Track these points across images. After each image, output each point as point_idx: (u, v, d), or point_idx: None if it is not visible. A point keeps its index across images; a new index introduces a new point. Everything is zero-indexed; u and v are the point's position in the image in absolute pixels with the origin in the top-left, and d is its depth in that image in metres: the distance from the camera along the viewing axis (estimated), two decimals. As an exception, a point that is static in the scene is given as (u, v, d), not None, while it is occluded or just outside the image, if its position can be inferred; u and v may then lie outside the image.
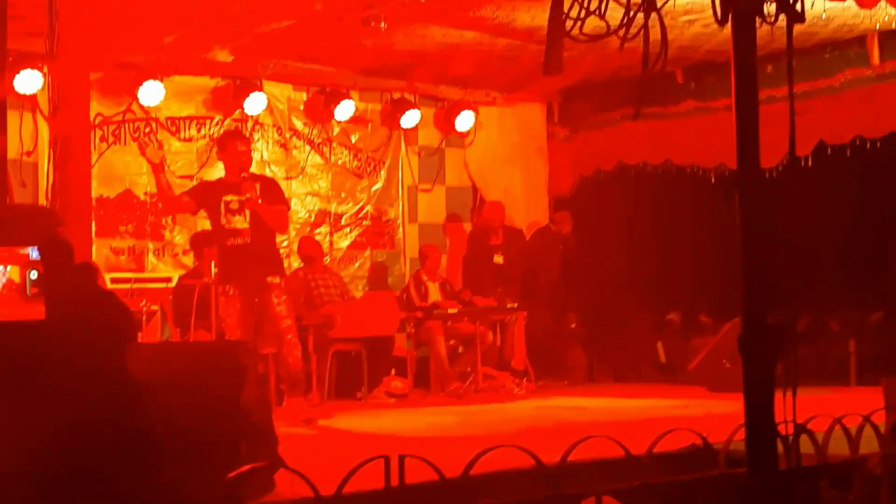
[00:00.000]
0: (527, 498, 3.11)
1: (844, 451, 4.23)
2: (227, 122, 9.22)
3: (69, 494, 1.99)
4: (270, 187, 7.04)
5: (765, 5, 2.60)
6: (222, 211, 6.83)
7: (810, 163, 8.93)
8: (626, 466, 3.80)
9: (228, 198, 6.83)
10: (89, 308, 2.39)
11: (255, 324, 6.93)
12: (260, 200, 6.77)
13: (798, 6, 2.63)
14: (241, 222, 6.82)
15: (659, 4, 2.72)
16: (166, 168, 8.78)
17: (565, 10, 2.74)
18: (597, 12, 2.68)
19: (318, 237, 9.62)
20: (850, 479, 4.18)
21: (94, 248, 7.63)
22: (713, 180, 9.77)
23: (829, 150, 9.08)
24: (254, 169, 9.25)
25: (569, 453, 3.49)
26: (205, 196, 6.99)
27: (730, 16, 2.63)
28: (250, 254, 6.80)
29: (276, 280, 6.91)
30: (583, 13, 2.69)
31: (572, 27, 2.69)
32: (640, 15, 2.73)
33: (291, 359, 6.86)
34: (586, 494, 3.41)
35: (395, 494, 3.09)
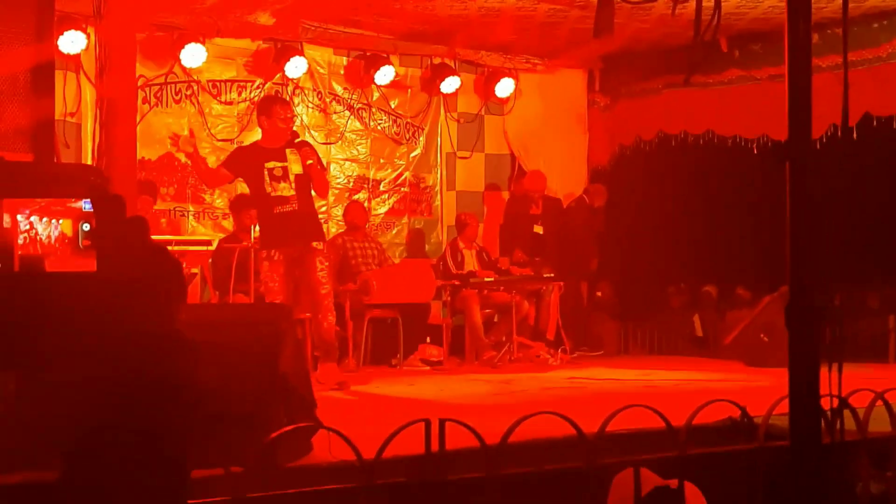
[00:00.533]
0: (566, 466, 3.10)
1: (885, 429, 4.20)
2: (267, 85, 9.22)
3: (117, 445, 2.01)
4: (314, 153, 7.00)
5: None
6: (266, 178, 6.80)
7: (855, 135, 8.79)
8: (664, 438, 3.79)
9: (271, 164, 6.80)
10: (141, 262, 2.40)
11: (295, 289, 6.97)
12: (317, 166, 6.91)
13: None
14: (286, 189, 6.80)
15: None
16: (207, 132, 8.86)
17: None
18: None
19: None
20: (891, 455, 4.14)
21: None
22: (755, 151, 9.65)
23: (875, 121, 8.94)
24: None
25: (608, 423, 3.48)
26: (242, 164, 6.95)
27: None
28: (297, 220, 6.81)
29: (320, 246, 6.95)
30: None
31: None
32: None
33: (326, 324, 6.88)
34: (624, 465, 3.41)
35: (436, 459, 3.09)
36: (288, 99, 8.97)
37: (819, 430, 2.71)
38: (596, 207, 10.16)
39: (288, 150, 6.83)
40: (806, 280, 2.59)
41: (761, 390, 5.43)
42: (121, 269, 2.29)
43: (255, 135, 8.84)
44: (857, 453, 3.93)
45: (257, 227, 7.18)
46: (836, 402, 3.02)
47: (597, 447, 3.44)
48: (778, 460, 3.62)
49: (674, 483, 3.47)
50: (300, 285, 7.01)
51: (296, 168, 6.77)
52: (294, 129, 7.13)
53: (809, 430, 2.64)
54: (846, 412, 3.76)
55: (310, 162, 6.77)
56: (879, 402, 4.10)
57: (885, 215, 8.96)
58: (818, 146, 8.54)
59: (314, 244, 6.89)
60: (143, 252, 2.41)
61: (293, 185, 6.80)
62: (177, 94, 8.72)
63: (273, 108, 7.00)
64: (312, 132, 9.46)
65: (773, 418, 3.98)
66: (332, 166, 9.57)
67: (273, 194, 6.81)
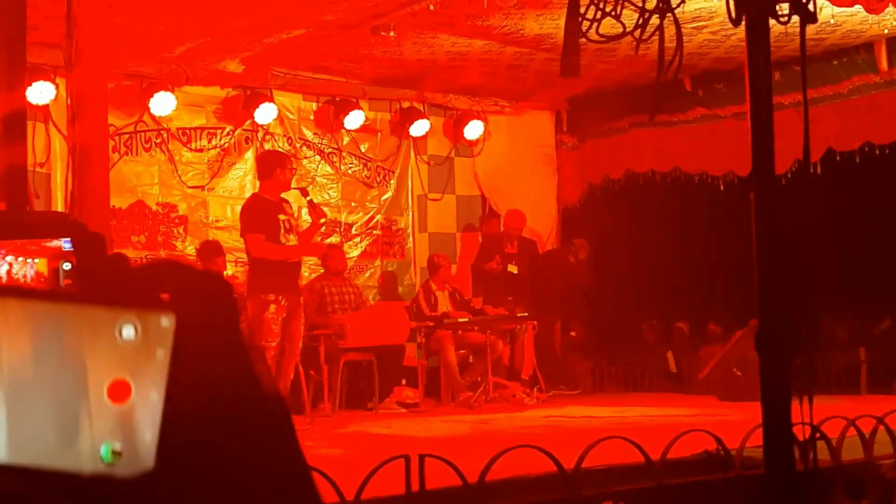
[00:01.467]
0: (548, 498, 3.12)
1: (858, 456, 4.24)
2: (237, 132, 9.27)
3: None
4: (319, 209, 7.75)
5: (777, 6, 2.61)
6: (281, 230, 7.27)
7: (819, 170, 8.94)
8: (641, 471, 3.81)
9: (283, 217, 7.31)
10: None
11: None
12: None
13: (811, 6, 2.65)
14: (293, 240, 7.35)
15: (674, 5, 2.73)
16: (177, 179, 8.88)
17: (582, 11, 2.77)
18: (612, 14, 2.70)
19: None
20: (864, 484, 4.19)
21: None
22: (722, 188, 9.78)
23: (838, 156, 9.10)
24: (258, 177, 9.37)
25: (585, 455, 3.50)
26: (265, 220, 7.33)
27: (743, 18, 2.65)
28: (298, 270, 7.50)
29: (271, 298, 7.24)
30: (598, 14, 2.71)
31: (588, 28, 2.71)
32: (655, 18, 2.75)
33: (291, 369, 7.16)
34: (604, 497, 3.43)
35: (417, 499, 3.10)
36: (258, 145, 9.05)
37: (793, 457, 2.74)
38: (581, 259, 10.25)
39: (286, 204, 7.38)
40: (775, 309, 2.64)
41: (736, 423, 5.47)
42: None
43: (227, 181, 8.88)
44: (832, 481, 3.97)
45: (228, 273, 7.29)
46: (808, 431, 3.06)
47: (576, 481, 3.46)
48: (754, 489, 3.65)
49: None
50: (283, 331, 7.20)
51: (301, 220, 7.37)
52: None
53: (783, 458, 2.68)
54: (820, 441, 3.81)
55: (323, 220, 7.59)
56: (852, 431, 4.14)
57: (851, 248, 9.09)
58: (783, 181, 8.68)
59: (302, 298, 7.46)
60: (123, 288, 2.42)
61: (297, 237, 7.40)
62: (146, 143, 8.75)
63: (286, 161, 7.58)
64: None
65: (747, 450, 4.01)
66: (304, 211, 9.59)
67: (286, 244, 7.26)
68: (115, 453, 0.70)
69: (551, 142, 10.97)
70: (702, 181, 10.03)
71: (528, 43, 8.57)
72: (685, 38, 7.87)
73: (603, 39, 2.67)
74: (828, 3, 6.36)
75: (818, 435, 3.61)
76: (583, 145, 10.89)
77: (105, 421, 0.70)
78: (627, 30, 2.67)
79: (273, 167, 7.41)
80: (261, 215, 7.30)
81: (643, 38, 2.66)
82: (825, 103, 9.04)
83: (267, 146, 9.38)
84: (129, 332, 0.71)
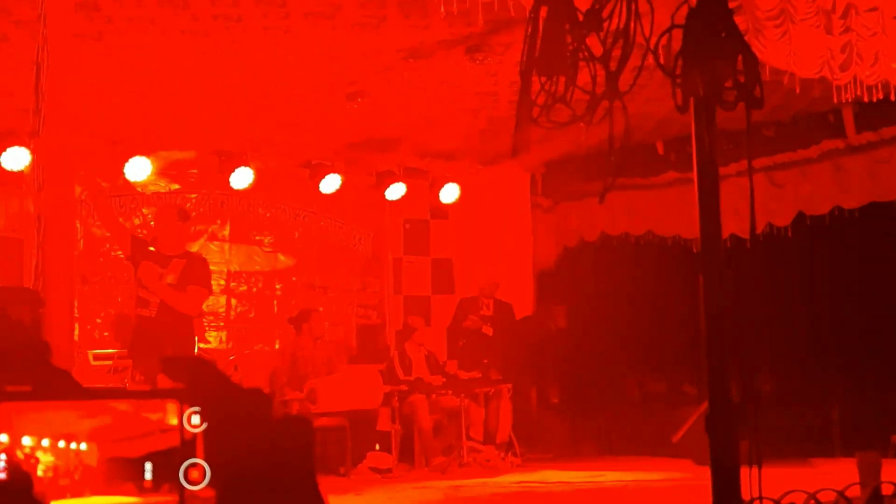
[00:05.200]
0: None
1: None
2: (213, 195, 9.30)
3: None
4: (196, 266, 6.85)
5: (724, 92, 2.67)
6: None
7: (790, 233, 9.05)
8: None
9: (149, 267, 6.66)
10: (26, 367, 2.42)
11: None
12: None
13: (757, 92, 2.71)
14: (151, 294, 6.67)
15: (623, 90, 2.80)
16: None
17: (533, 96, 2.83)
18: (563, 99, 2.76)
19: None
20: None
21: (76, 329, 7.67)
22: (695, 250, 9.84)
23: (808, 219, 9.20)
24: (239, 241, 9.39)
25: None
26: (136, 252, 6.80)
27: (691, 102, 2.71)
28: (157, 329, 6.57)
29: None
30: (549, 100, 2.76)
31: (539, 114, 2.77)
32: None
33: None
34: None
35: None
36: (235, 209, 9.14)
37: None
38: (559, 328, 10.29)
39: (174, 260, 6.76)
40: (721, 384, 2.67)
41: (708, 489, 5.46)
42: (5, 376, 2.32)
43: (200, 246, 8.88)
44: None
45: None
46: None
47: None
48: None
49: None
50: None
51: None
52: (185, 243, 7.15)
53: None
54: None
55: (169, 280, 6.69)
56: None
57: (822, 308, 9.16)
58: (760, 240, 8.82)
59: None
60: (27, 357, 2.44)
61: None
62: (121, 207, 8.76)
63: (170, 218, 6.93)
64: (260, 239, 9.54)
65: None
66: (279, 273, 9.63)
67: (141, 295, 6.72)
68: None
69: (527, 204, 11.05)
70: (675, 243, 10.10)
71: (503, 108, 8.68)
72: (656, 105, 7.99)
73: (552, 125, 2.72)
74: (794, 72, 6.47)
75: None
76: (557, 207, 10.98)
77: None
78: (577, 115, 2.73)
79: (181, 220, 6.96)
80: (134, 248, 6.89)
81: (594, 122, 2.72)
82: (796, 167, 9.17)
83: (242, 210, 9.44)
84: None
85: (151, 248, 6.71)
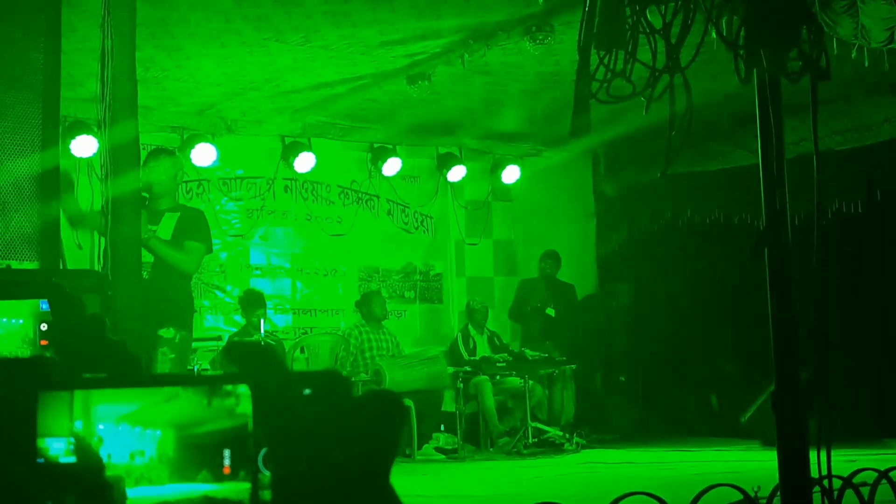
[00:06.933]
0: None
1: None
2: (276, 180, 9.39)
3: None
4: (191, 220, 6.14)
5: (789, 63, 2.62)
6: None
7: (860, 209, 8.87)
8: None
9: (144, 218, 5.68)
10: (98, 358, 2.46)
11: None
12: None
13: (823, 63, 2.65)
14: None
15: (684, 64, 2.76)
16: (218, 228, 9.00)
17: (592, 71, 2.80)
18: (622, 73, 2.73)
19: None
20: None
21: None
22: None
23: (880, 196, 9.00)
24: (303, 225, 9.45)
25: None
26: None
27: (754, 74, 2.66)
28: (154, 292, 5.66)
29: (170, 333, 5.75)
30: (609, 75, 2.73)
31: (598, 89, 2.74)
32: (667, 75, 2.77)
33: None
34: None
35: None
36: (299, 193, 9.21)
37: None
38: (622, 304, 10.20)
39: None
40: (790, 362, 2.62)
41: (774, 470, 5.39)
42: (78, 366, 2.35)
43: (263, 230, 8.97)
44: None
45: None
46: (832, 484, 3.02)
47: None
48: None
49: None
50: None
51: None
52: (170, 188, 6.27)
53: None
54: (852, 493, 3.75)
55: (153, 230, 5.92)
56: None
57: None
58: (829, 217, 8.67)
59: (161, 332, 5.88)
60: (101, 349, 2.47)
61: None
62: (187, 193, 8.89)
63: (158, 158, 6.24)
64: (322, 224, 9.62)
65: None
66: (343, 257, 9.70)
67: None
68: None
69: (590, 187, 10.96)
70: (743, 224, 9.92)
71: (565, 88, 8.61)
72: (722, 80, 7.87)
73: (612, 100, 2.69)
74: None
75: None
76: (622, 191, 10.85)
77: None
78: (637, 90, 2.70)
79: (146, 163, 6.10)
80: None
81: (654, 97, 2.68)
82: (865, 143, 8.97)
83: (306, 194, 9.51)
84: None
85: (145, 195, 5.61)
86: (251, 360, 2.46)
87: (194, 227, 6.05)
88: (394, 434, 2.28)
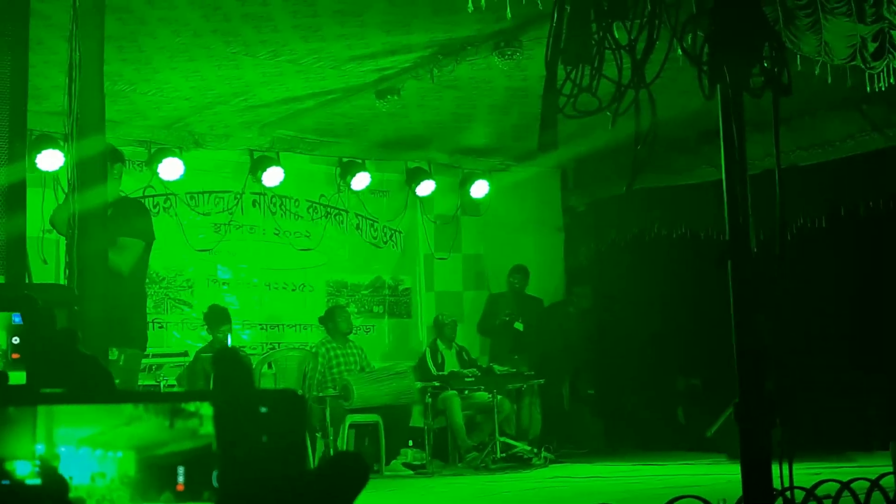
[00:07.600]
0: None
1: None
2: (245, 194, 9.37)
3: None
4: (125, 213, 5.67)
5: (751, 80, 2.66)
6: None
7: (824, 225, 8.97)
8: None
9: None
10: (70, 372, 2.45)
11: None
12: None
13: (785, 79, 2.69)
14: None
15: (649, 80, 2.79)
16: (185, 243, 8.96)
17: (559, 86, 2.83)
18: (588, 89, 2.76)
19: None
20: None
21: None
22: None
23: (843, 213, 9.11)
24: (271, 240, 9.42)
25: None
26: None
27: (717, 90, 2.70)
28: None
29: (113, 355, 5.08)
30: (575, 90, 2.76)
31: (565, 104, 2.77)
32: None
33: None
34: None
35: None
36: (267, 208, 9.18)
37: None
38: (584, 309, 10.23)
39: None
40: (754, 376, 2.65)
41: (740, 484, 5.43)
42: (50, 380, 2.34)
43: (230, 245, 8.94)
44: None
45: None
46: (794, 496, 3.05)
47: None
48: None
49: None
50: None
51: None
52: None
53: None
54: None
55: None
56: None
57: (858, 301, 9.06)
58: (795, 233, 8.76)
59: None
60: (72, 363, 2.46)
61: None
62: (154, 207, 8.85)
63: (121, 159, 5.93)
64: (290, 238, 9.60)
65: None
66: (311, 272, 9.67)
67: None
68: None
69: (558, 201, 11.02)
70: (710, 239, 10.00)
71: (534, 103, 8.66)
72: (686, 98, 7.96)
73: (579, 115, 2.72)
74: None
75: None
76: (590, 205, 10.92)
77: None
78: (603, 105, 2.73)
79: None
80: None
81: (619, 112, 2.71)
82: (827, 160, 9.08)
83: (274, 208, 9.49)
84: None
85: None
86: (225, 365, 2.45)
87: (128, 220, 5.59)
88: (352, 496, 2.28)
